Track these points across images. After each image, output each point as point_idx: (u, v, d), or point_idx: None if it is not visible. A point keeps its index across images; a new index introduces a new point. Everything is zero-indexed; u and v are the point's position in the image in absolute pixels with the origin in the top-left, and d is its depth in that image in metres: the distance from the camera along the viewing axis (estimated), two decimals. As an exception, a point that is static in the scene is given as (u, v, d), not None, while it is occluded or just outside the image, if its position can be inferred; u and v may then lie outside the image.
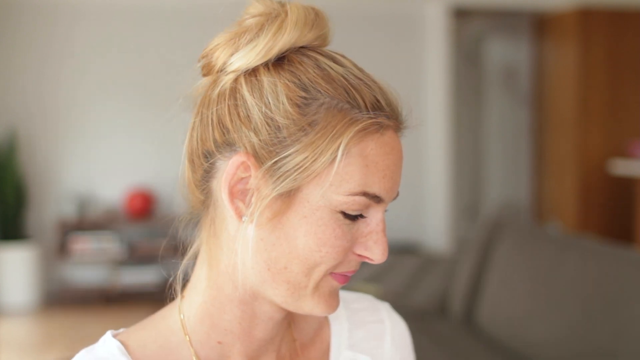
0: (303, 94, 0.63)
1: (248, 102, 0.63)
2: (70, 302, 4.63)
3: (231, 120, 0.64)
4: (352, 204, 0.63)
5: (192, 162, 0.68)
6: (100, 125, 4.77)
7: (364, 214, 0.65)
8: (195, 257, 0.71)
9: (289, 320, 0.75)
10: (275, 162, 0.62)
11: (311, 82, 0.64)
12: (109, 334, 0.68)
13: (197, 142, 0.67)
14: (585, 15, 5.07)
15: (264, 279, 0.65)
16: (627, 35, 5.14)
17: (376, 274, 3.03)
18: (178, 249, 0.74)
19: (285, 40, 0.65)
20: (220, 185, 0.65)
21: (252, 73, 0.65)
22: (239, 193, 0.64)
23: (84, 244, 4.57)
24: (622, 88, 5.15)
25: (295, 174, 0.63)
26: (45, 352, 3.65)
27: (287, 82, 0.63)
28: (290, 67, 0.65)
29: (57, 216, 4.63)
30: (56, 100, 4.71)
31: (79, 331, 4.01)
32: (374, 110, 0.67)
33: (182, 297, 0.70)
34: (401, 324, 0.82)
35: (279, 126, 0.62)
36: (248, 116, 0.63)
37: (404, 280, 2.98)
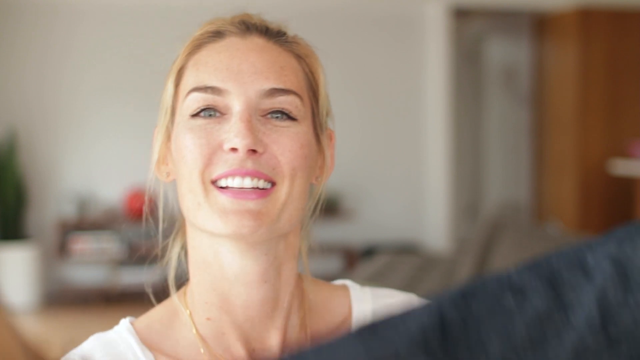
0: None
1: None
2: (70, 302, 4.63)
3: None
4: (191, 103, 0.70)
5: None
6: (100, 125, 4.77)
7: (221, 111, 0.70)
8: None
9: (304, 308, 0.75)
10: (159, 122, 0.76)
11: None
12: (125, 319, 0.74)
13: None
14: (585, 15, 5.07)
15: (184, 206, 0.71)
16: (627, 35, 5.14)
17: (376, 274, 3.03)
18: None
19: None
20: None
21: None
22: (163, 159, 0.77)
23: (84, 244, 4.58)
24: (622, 88, 5.15)
25: (161, 115, 0.75)
26: (45, 351, 3.65)
27: None
28: None
29: (57, 216, 4.63)
30: (56, 100, 4.71)
31: (79, 331, 4.01)
32: (214, 30, 0.75)
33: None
34: None
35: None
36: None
37: (404, 280, 2.98)
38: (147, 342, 0.72)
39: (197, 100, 0.70)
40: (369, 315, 0.78)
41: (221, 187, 0.67)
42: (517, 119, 5.80)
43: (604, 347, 0.53)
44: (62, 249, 4.58)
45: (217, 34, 0.74)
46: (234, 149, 0.67)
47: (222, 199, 0.67)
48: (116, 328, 0.73)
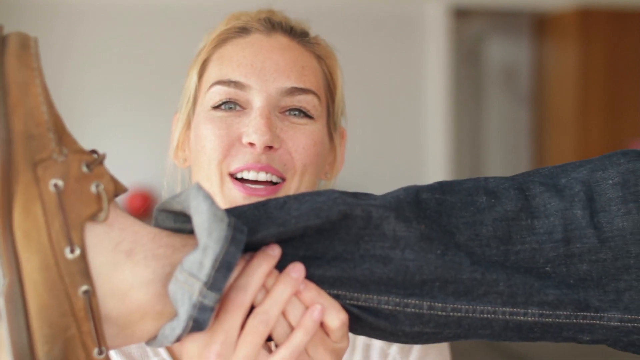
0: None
1: None
2: (70, 302, 4.63)
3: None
4: (214, 95, 0.73)
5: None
6: (100, 125, 4.77)
7: (242, 105, 0.72)
8: None
9: None
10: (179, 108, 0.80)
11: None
12: None
13: None
14: (585, 15, 5.07)
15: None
16: (627, 35, 5.14)
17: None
18: None
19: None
20: None
21: None
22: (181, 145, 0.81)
23: (84, 244, 4.57)
24: (622, 88, 5.15)
25: (183, 103, 0.77)
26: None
27: None
28: None
29: (57, 216, 4.62)
30: (56, 100, 4.69)
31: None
32: (241, 26, 0.77)
33: None
34: None
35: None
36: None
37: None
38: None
39: (219, 93, 0.73)
40: None
41: (237, 179, 0.71)
42: (517, 119, 5.80)
43: (562, 257, 0.56)
44: (62, 249, 4.58)
45: (243, 30, 0.76)
46: (251, 144, 0.70)
47: (235, 192, 0.71)
48: None
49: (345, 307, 0.55)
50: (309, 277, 0.55)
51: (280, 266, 0.55)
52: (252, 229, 0.54)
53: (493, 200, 0.58)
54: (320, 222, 0.54)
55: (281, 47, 0.75)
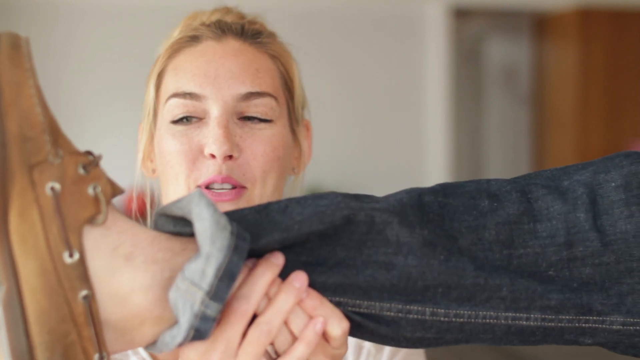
0: None
1: None
2: (70, 302, 4.63)
3: None
4: (172, 109, 0.73)
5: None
6: (101, 125, 4.77)
7: (200, 116, 0.73)
8: None
9: None
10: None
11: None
12: None
13: None
14: (585, 15, 5.07)
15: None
16: (627, 35, 5.14)
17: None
18: None
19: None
20: None
21: None
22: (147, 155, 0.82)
23: (84, 244, 4.57)
24: (622, 88, 5.15)
25: (144, 116, 0.79)
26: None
27: None
28: None
29: (57, 216, 4.63)
30: (56, 100, 4.70)
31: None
32: (191, 34, 0.77)
33: None
34: None
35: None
36: None
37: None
38: None
39: (176, 106, 0.74)
40: None
41: (206, 188, 0.71)
42: (517, 119, 5.80)
43: (565, 261, 0.56)
44: (62, 249, 4.58)
45: (193, 39, 0.77)
46: (212, 155, 0.71)
47: None
48: None
49: (346, 314, 0.55)
50: (311, 284, 0.54)
51: (283, 273, 0.54)
52: (255, 235, 0.54)
53: (495, 204, 0.58)
54: (324, 227, 0.54)
55: (233, 52, 0.75)
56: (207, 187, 0.72)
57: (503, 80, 5.84)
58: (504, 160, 5.88)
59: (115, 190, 0.55)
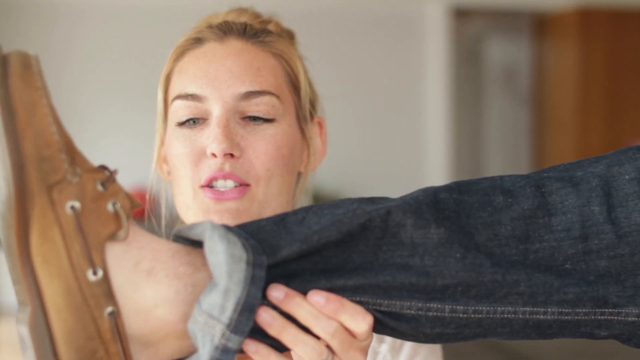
0: None
1: None
2: (70, 302, 4.63)
3: None
4: (177, 110, 0.74)
5: None
6: (101, 125, 4.78)
7: (203, 117, 0.74)
8: None
9: None
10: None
11: None
12: None
13: None
14: (585, 15, 5.07)
15: (177, 205, 0.76)
16: (627, 35, 5.14)
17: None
18: None
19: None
20: None
21: None
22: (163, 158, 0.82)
23: (84, 244, 4.57)
24: (622, 88, 5.15)
25: (157, 120, 0.79)
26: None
27: None
28: None
29: (57, 216, 4.63)
30: (56, 100, 4.68)
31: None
32: (195, 37, 0.78)
33: None
34: None
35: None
36: None
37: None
38: None
39: (180, 108, 0.74)
40: None
41: (209, 187, 0.72)
42: (517, 119, 5.80)
43: (580, 254, 0.56)
44: (62, 249, 4.58)
45: (197, 41, 0.77)
46: (213, 154, 0.71)
47: (207, 201, 0.72)
48: None
49: (368, 311, 0.56)
50: (332, 287, 0.55)
51: (302, 284, 0.55)
52: (274, 246, 0.54)
53: (510, 200, 0.58)
54: (342, 235, 0.55)
55: (235, 53, 0.75)
56: (210, 185, 0.72)
57: (503, 80, 5.84)
58: (504, 160, 5.88)
59: (134, 204, 0.55)
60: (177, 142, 0.74)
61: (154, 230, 0.82)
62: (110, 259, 0.52)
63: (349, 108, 4.96)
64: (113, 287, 0.51)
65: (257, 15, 0.83)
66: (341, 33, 5.02)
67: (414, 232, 0.56)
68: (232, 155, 0.71)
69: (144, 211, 0.84)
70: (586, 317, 0.56)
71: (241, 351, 0.53)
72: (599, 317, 0.56)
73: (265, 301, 0.54)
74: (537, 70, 5.65)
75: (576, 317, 0.56)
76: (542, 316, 0.56)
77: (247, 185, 0.72)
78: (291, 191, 0.77)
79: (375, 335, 0.58)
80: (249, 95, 0.73)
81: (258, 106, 0.73)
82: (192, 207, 0.73)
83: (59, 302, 0.49)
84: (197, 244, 0.57)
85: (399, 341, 0.81)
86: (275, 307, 0.54)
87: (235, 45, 0.76)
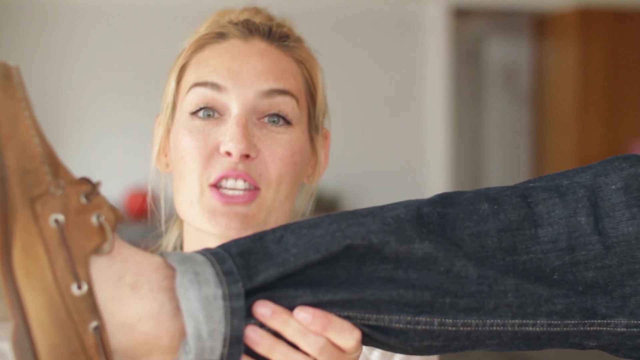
0: None
1: None
2: (70, 302, 4.63)
3: None
4: (192, 98, 0.72)
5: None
6: (101, 125, 4.77)
7: (219, 111, 0.72)
8: None
9: None
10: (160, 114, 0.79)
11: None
12: None
13: None
14: (585, 15, 5.06)
15: (178, 200, 0.74)
16: (627, 35, 5.14)
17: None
18: None
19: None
20: None
21: None
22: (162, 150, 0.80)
23: (84, 244, 4.56)
24: (622, 88, 5.15)
25: (162, 110, 0.77)
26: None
27: None
28: None
29: (57, 216, 4.62)
30: (56, 100, 4.71)
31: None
32: (218, 31, 0.76)
33: None
34: None
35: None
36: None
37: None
38: None
39: (197, 96, 0.72)
40: None
41: (216, 187, 0.70)
42: (517, 119, 5.80)
43: (568, 265, 0.56)
44: (62, 249, 4.57)
45: (220, 35, 0.75)
46: (228, 153, 0.69)
47: (214, 202, 0.70)
48: None
49: (356, 326, 0.56)
50: (319, 303, 0.54)
51: (287, 299, 0.54)
52: (250, 268, 0.54)
53: (496, 207, 0.58)
54: (321, 256, 0.54)
55: (259, 53, 0.74)
56: (218, 185, 0.70)
57: (503, 80, 5.84)
58: (504, 160, 5.88)
59: (118, 217, 0.54)
60: (188, 134, 0.72)
61: (156, 224, 0.82)
62: (95, 272, 0.51)
63: (348, 108, 4.95)
64: (97, 301, 0.51)
65: (271, 18, 0.82)
66: (341, 33, 5.02)
67: (398, 248, 0.55)
68: (247, 156, 0.70)
69: (144, 208, 0.83)
70: (575, 328, 0.56)
71: None
72: (588, 328, 0.56)
73: (252, 319, 0.54)
74: (537, 70, 5.65)
75: (565, 329, 0.56)
76: (531, 328, 0.56)
77: (257, 189, 0.71)
78: (294, 200, 0.76)
79: None
80: (272, 93, 0.72)
81: (279, 105, 0.72)
82: (196, 205, 0.71)
83: (43, 317, 0.48)
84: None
85: None
86: (262, 324, 0.54)
87: (259, 45, 0.74)
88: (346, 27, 5.09)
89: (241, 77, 0.71)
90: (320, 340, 0.54)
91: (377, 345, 0.57)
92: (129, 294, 0.52)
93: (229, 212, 0.70)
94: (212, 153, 0.71)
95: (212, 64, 0.73)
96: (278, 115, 0.72)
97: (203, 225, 0.71)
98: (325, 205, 4.40)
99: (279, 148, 0.72)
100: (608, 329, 0.56)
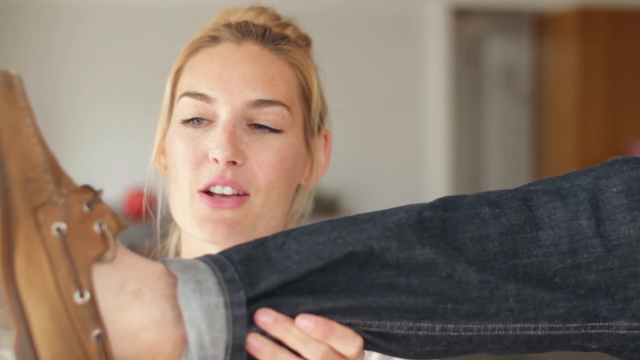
0: None
1: None
2: (70, 302, 4.63)
3: None
4: (184, 108, 0.72)
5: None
6: (101, 125, 4.77)
7: (209, 118, 0.72)
8: None
9: None
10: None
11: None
12: None
13: None
14: (585, 15, 5.07)
15: (171, 204, 0.75)
16: (627, 35, 5.14)
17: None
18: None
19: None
20: None
21: None
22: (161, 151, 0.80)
23: (84, 244, 4.57)
24: (622, 88, 5.15)
25: (162, 113, 0.77)
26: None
27: None
28: None
29: (57, 216, 4.62)
30: (56, 100, 4.71)
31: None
32: (212, 35, 0.76)
33: None
34: None
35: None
36: None
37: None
38: None
39: (187, 106, 0.73)
40: None
41: (206, 192, 0.71)
42: (517, 119, 5.80)
43: (569, 268, 0.56)
44: (62, 249, 4.57)
45: (213, 39, 0.76)
46: (215, 160, 0.70)
47: (203, 207, 0.71)
48: None
49: (358, 332, 0.56)
50: (320, 311, 0.55)
51: (288, 307, 0.55)
52: (252, 276, 0.54)
53: (497, 210, 0.58)
54: (322, 263, 0.54)
55: (251, 57, 0.73)
56: (208, 192, 0.71)
57: (503, 80, 5.84)
58: (504, 160, 5.88)
59: (120, 225, 0.54)
60: (180, 141, 0.73)
61: (153, 224, 0.82)
62: (97, 280, 0.51)
63: (349, 108, 4.94)
64: (100, 310, 0.51)
65: (276, 17, 0.82)
66: (341, 33, 5.02)
67: (399, 254, 0.55)
68: (234, 162, 0.70)
69: (141, 208, 0.83)
70: (577, 332, 0.56)
71: None
72: (590, 330, 0.56)
73: (253, 327, 0.54)
74: (537, 70, 5.65)
75: (567, 332, 0.56)
76: (532, 332, 0.56)
77: (246, 194, 0.71)
78: (288, 204, 0.76)
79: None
80: (260, 103, 0.72)
81: (267, 115, 0.72)
82: (187, 211, 0.72)
83: (45, 326, 0.49)
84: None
85: None
86: (264, 332, 0.54)
87: (251, 49, 0.74)
88: (346, 27, 5.09)
89: (230, 86, 0.72)
90: (322, 348, 0.54)
91: (378, 351, 0.57)
92: (131, 301, 0.52)
93: (216, 218, 0.70)
94: (201, 160, 0.72)
95: (204, 70, 0.73)
96: (266, 126, 0.72)
97: (192, 232, 0.72)
98: (325, 205, 4.40)
99: (267, 155, 0.72)
100: (610, 331, 0.56)
